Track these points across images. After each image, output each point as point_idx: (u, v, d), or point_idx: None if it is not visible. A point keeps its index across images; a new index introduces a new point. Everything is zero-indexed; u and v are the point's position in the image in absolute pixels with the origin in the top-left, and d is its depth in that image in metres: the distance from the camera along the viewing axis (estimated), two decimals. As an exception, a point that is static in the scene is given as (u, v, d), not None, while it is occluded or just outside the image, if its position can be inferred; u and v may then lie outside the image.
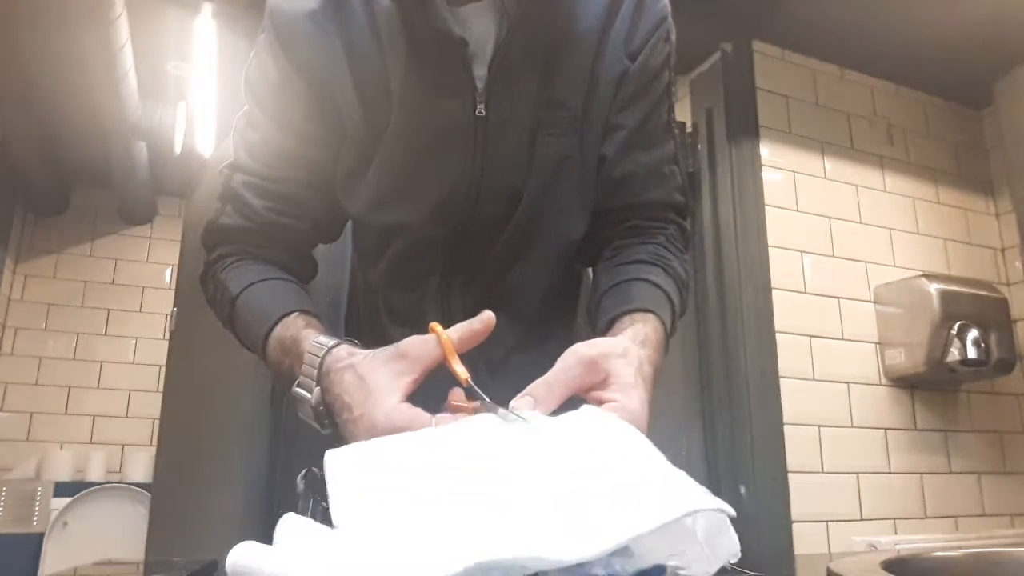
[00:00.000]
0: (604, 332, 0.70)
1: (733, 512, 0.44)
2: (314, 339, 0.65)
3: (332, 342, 0.64)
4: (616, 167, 0.81)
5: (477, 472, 0.46)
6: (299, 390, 0.64)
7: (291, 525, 0.48)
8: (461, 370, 0.58)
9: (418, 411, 0.55)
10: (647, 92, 0.81)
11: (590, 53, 0.78)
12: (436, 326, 0.60)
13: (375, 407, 0.56)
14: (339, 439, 0.60)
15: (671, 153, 0.85)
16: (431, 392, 0.59)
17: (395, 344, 0.60)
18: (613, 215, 0.84)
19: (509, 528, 0.41)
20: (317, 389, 0.62)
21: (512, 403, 0.55)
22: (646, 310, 0.71)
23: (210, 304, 0.83)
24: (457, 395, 0.58)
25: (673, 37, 0.84)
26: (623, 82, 0.79)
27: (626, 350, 0.61)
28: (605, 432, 0.52)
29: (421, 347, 0.59)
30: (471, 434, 0.51)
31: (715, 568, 0.47)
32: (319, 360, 0.62)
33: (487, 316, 0.60)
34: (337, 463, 0.49)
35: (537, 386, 0.57)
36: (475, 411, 0.56)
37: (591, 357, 0.59)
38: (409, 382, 0.58)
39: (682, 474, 0.47)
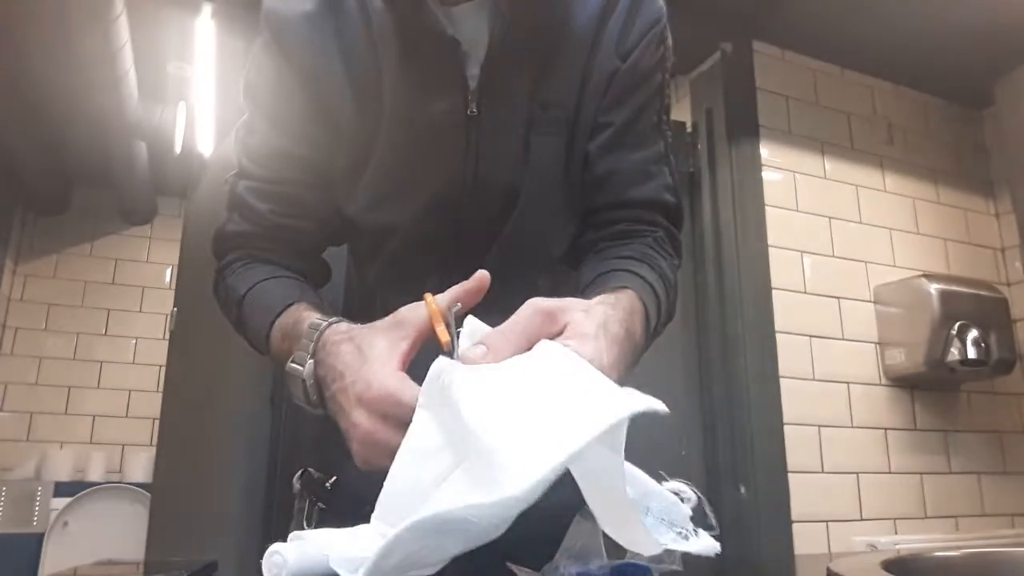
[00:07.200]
0: None
1: (664, 408, 0.42)
2: (316, 317, 0.65)
3: (334, 318, 0.64)
4: (600, 164, 0.80)
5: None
6: (293, 365, 0.63)
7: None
8: (444, 333, 0.57)
9: (410, 383, 0.54)
10: (636, 92, 0.80)
11: (583, 53, 0.78)
12: (428, 295, 0.60)
13: (369, 373, 0.55)
14: (327, 420, 0.60)
15: (660, 153, 0.83)
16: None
17: (392, 313, 0.60)
18: (599, 215, 0.82)
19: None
20: (310, 362, 0.62)
21: (462, 352, 0.54)
22: (623, 287, 0.68)
23: (222, 310, 0.83)
24: None
25: (669, 40, 0.83)
26: (613, 82, 0.79)
27: (590, 306, 0.59)
28: (542, 360, 0.51)
29: (415, 312, 0.59)
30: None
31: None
32: (317, 334, 0.62)
33: (481, 273, 0.59)
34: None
35: (491, 335, 0.55)
36: None
37: (549, 307, 0.56)
38: (407, 347, 0.57)
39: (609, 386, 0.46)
